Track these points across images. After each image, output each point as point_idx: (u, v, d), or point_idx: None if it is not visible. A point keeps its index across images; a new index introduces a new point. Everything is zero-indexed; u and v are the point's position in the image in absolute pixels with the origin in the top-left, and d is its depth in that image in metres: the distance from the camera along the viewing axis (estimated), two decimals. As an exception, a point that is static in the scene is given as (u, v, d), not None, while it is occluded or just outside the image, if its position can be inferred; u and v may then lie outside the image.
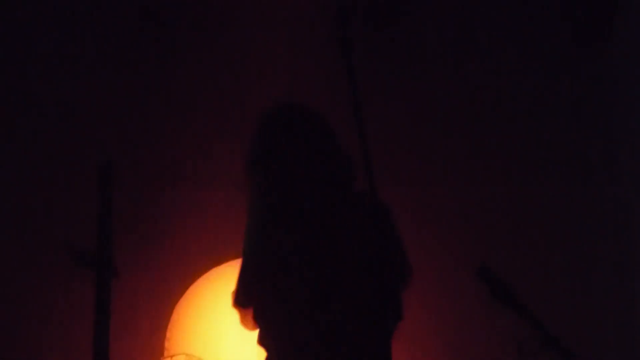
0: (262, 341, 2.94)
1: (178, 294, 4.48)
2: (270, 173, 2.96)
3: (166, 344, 4.46)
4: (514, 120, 4.87)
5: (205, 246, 4.57)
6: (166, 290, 4.40)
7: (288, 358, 2.89)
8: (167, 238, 4.55)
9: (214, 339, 4.39)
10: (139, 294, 4.55)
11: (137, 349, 4.56)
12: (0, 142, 4.71)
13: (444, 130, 4.87)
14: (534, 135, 4.87)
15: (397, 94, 4.87)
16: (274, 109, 3.09)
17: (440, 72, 4.90)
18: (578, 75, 4.89)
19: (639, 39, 4.77)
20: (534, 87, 4.89)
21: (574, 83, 4.88)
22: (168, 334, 4.50)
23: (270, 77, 4.79)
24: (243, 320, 2.97)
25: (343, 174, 2.98)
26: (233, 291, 2.94)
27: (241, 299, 2.92)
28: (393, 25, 4.87)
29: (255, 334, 2.96)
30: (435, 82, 4.90)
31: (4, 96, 4.76)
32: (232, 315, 3.02)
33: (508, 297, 2.72)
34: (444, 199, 4.82)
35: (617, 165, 4.84)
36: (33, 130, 4.74)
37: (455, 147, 4.85)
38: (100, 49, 4.79)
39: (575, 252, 4.76)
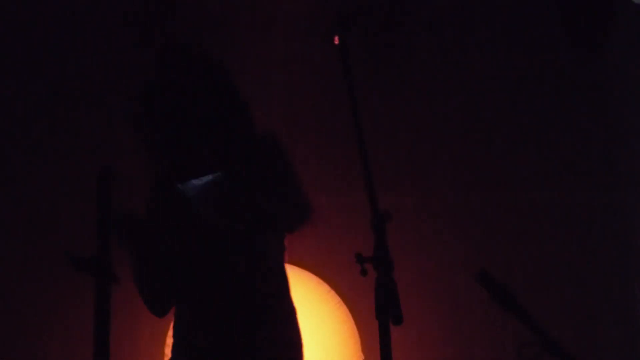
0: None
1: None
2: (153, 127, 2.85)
3: (166, 350, 4.44)
4: (512, 123, 4.87)
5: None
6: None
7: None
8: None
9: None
10: (138, 299, 4.53)
11: (137, 355, 4.56)
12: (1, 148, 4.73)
13: (443, 133, 4.87)
14: (532, 137, 4.86)
15: (396, 97, 4.87)
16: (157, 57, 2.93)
17: (438, 75, 4.90)
18: (576, 79, 4.89)
19: (635, 43, 4.77)
20: (532, 91, 4.89)
21: (572, 86, 4.88)
22: (168, 340, 4.48)
23: (268, 80, 4.79)
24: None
25: (233, 121, 2.87)
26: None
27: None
28: (391, 29, 4.87)
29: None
30: (433, 85, 4.89)
31: (4, 101, 4.77)
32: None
33: (508, 301, 2.71)
34: (444, 202, 4.82)
35: (616, 167, 4.83)
36: (32, 136, 4.74)
37: (455, 150, 4.85)
38: (98, 52, 4.78)
39: (575, 256, 4.75)
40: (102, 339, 2.43)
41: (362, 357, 4.54)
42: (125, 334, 4.49)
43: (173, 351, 2.98)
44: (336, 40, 2.57)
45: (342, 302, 4.58)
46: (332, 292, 4.57)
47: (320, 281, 4.58)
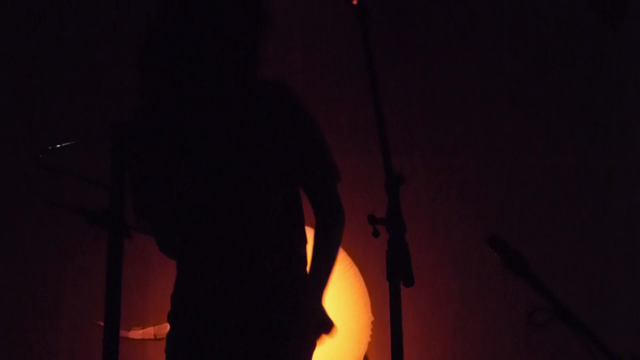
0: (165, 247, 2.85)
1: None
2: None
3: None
4: (528, 87, 4.87)
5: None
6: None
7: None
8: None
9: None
10: (150, 253, 4.56)
11: (149, 307, 4.59)
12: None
13: (459, 96, 4.86)
14: (548, 101, 4.86)
15: (412, 58, 4.86)
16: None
17: (455, 38, 4.89)
18: (595, 46, 4.86)
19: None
20: (550, 55, 4.88)
21: (591, 53, 4.86)
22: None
23: (286, 40, 4.77)
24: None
25: (237, 65, 2.71)
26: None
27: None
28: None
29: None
30: (450, 48, 4.88)
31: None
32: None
33: (519, 266, 2.71)
34: (458, 165, 4.82)
35: (633, 131, 4.83)
36: (49, 91, 4.75)
37: (470, 113, 4.85)
38: (105, 44, 4.79)
39: (589, 221, 4.76)
40: (113, 293, 2.44)
41: (372, 319, 4.55)
42: (137, 288, 4.53)
43: (172, 301, 2.92)
44: (355, 1, 2.55)
45: (353, 264, 4.59)
46: (344, 253, 4.58)
47: (332, 242, 4.59)
